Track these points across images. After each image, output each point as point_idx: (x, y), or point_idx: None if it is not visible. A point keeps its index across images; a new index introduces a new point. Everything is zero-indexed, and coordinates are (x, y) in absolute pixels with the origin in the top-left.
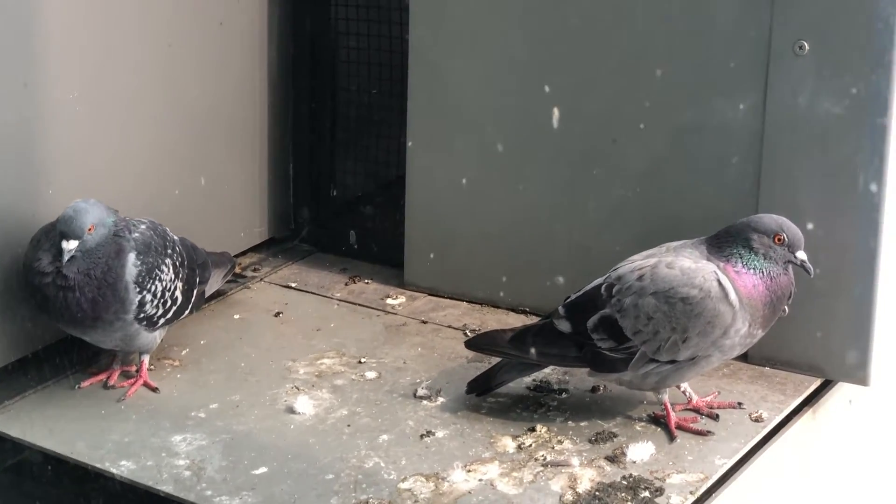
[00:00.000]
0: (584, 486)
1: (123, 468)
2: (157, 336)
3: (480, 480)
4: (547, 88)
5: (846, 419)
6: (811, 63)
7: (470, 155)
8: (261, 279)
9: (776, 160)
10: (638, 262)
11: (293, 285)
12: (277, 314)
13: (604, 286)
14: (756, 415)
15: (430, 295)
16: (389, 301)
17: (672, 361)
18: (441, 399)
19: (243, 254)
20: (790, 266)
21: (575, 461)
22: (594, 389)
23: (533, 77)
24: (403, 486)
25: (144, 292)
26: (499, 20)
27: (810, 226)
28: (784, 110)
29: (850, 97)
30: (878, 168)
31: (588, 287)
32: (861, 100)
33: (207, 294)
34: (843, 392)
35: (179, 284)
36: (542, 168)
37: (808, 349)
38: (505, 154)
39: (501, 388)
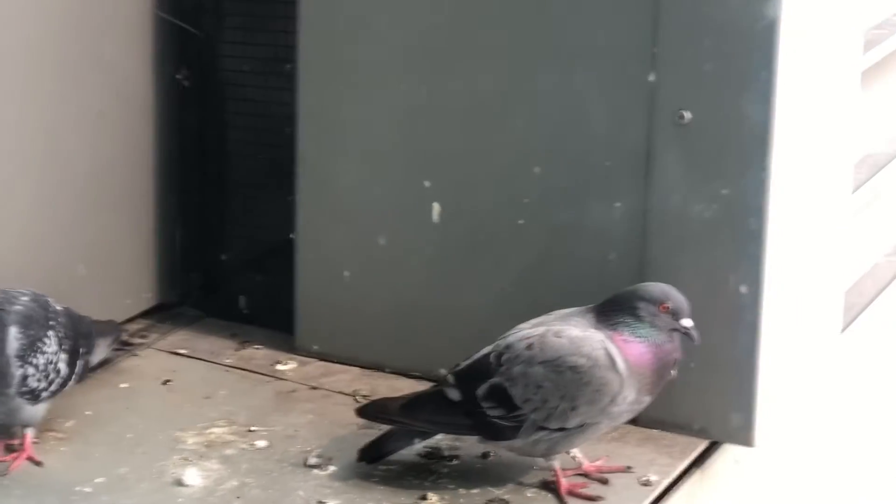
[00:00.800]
0: None
1: None
2: (42, 409)
3: None
4: (427, 183)
5: (733, 479)
6: (683, 165)
7: (352, 245)
8: (149, 346)
9: (656, 260)
10: (526, 331)
11: (182, 352)
12: (166, 382)
13: (493, 354)
14: (645, 478)
15: (321, 360)
16: (280, 367)
17: (561, 429)
18: (332, 468)
19: (131, 320)
20: (676, 333)
21: None
22: (485, 455)
23: (413, 172)
24: None
25: (27, 366)
26: (381, 116)
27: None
28: (661, 210)
29: (720, 199)
30: (751, 269)
31: (477, 355)
32: (731, 201)
33: (93, 364)
34: (729, 453)
35: (63, 356)
36: (424, 261)
37: (695, 412)
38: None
39: (393, 455)
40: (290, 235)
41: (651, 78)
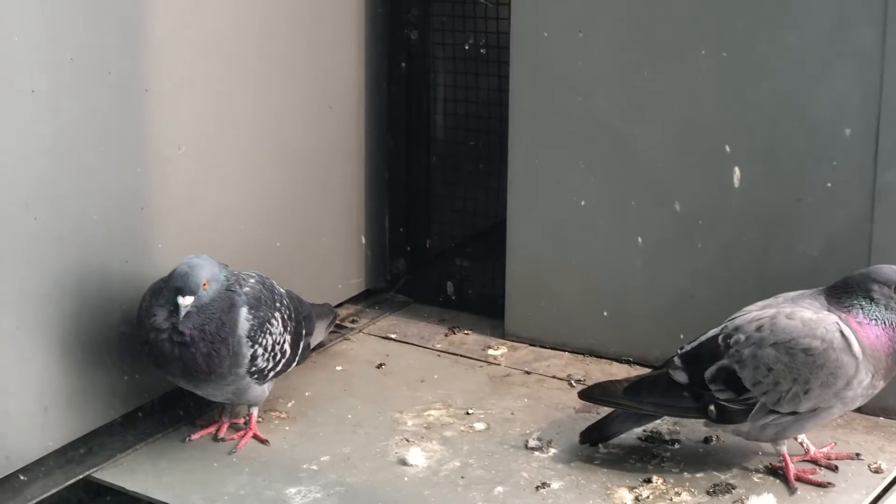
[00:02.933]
0: None
1: None
2: (266, 389)
3: None
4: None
5: None
6: None
7: (565, 213)
8: (360, 331)
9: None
10: (755, 313)
11: (393, 336)
12: (380, 365)
13: (721, 336)
14: (875, 465)
15: (531, 345)
16: (491, 352)
17: (792, 413)
18: (553, 450)
19: (340, 305)
20: None
21: None
22: (706, 440)
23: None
24: None
25: (256, 346)
26: (594, 107)
27: None
28: None
29: None
30: None
31: (703, 337)
32: None
33: (312, 346)
34: None
35: (288, 337)
36: (649, 218)
37: None
38: (592, 211)
39: (615, 438)
40: (495, 221)
41: None
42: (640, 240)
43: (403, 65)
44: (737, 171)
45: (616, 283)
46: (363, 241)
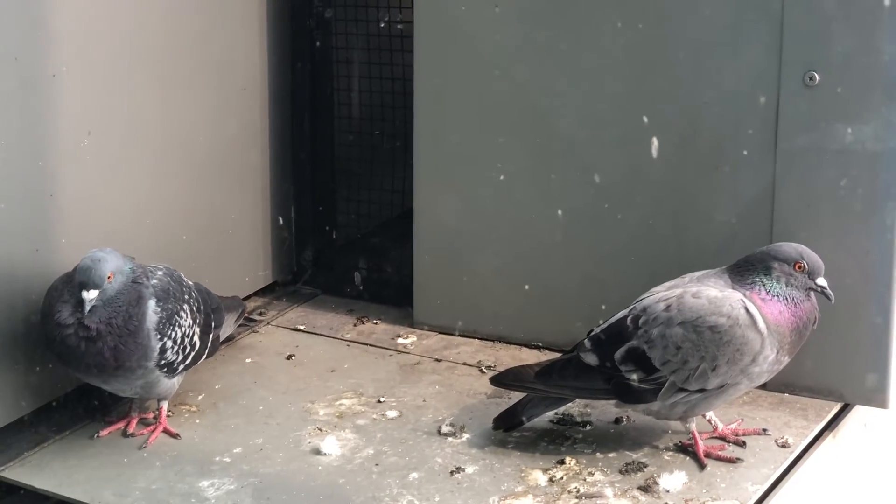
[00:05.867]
0: None
1: None
2: (176, 382)
3: None
4: (554, 157)
5: (862, 442)
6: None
7: (482, 191)
8: (268, 323)
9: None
10: (662, 293)
11: (302, 328)
12: (289, 357)
13: (629, 318)
14: (782, 440)
15: (440, 333)
16: (401, 340)
17: (701, 390)
18: (466, 435)
19: (248, 298)
20: (811, 293)
21: (609, 492)
22: (618, 420)
23: (538, 141)
24: None
25: (165, 339)
26: (499, 86)
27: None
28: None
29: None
30: (883, 229)
31: (613, 319)
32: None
33: (221, 338)
34: (858, 416)
35: (197, 330)
36: (552, 199)
37: (827, 374)
38: (512, 190)
39: (527, 423)
40: (402, 210)
41: None
42: (560, 213)
43: (309, 51)
44: (655, 141)
45: (535, 258)
46: (269, 232)
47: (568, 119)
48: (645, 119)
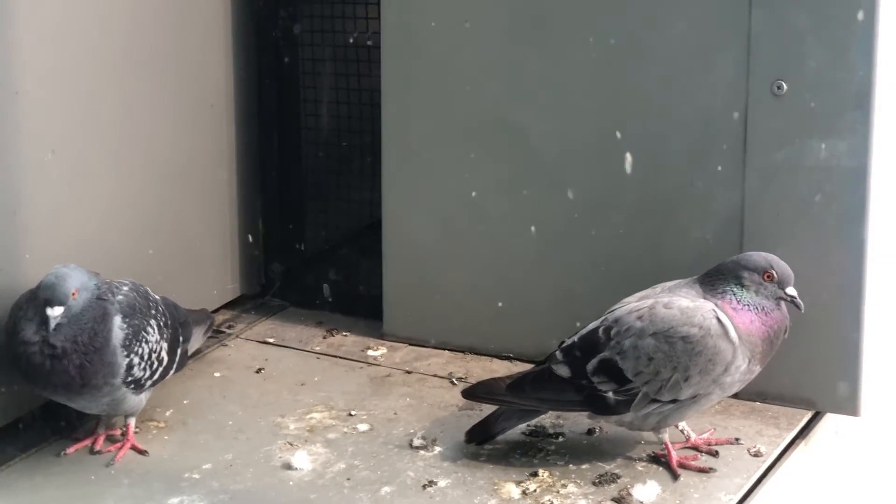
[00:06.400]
0: None
1: None
2: (144, 398)
3: None
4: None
5: (833, 450)
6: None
7: (451, 206)
8: (236, 336)
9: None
10: (634, 304)
11: (271, 341)
12: (259, 370)
13: (601, 329)
14: (755, 449)
15: (410, 345)
16: (371, 352)
17: (674, 401)
18: (438, 448)
19: (216, 311)
20: (782, 302)
21: None
22: (590, 432)
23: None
24: None
25: (132, 355)
26: (471, 97)
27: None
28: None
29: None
30: (854, 238)
31: (584, 330)
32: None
33: (189, 352)
34: (829, 423)
35: (165, 345)
36: (524, 215)
37: (799, 382)
38: (483, 206)
39: (500, 436)
40: (371, 222)
41: None
42: (533, 229)
43: (276, 66)
44: (629, 157)
45: (506, 271)
46: (237, 245)
47: (541, 134)
48: (618, 134)
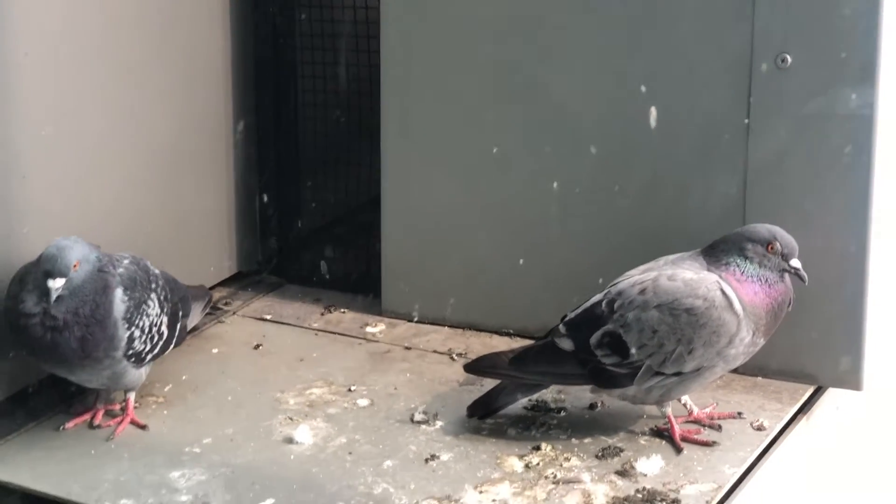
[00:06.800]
0: (599, 501)
1: None
2: (143, 373)
3: (493, 501)
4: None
5: (835, 425)
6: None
7: (451, 179)
8: (234, 313)
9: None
10: (637, 277)
11: (268, 317)
12: (257, 346)
13: (604, 302)
14: (757, 423)
15: (409, 321)
16: (369, 329)
17: (677, 374)
18: (439, 423)
19: (213, 288)
20: (785, 274)
21: (586, 477)
22: (592, 406)
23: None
24: None
25: (133, 328)
26: (471, 74)
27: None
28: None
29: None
30: (858, 212)
31: (587, 304)
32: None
33: (188, 328)
34: (830, 398)
35: (165, 319)
36: (524, 187)
37: (801, 357)
38: (482, 179)
39: (501, 410)
40: (369, 198)
41: None
42: (555, 185)
43: (272, 40)
44: (653, 111)
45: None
46: (234, 222)
47: (563, 89)
48: (643, 88)
